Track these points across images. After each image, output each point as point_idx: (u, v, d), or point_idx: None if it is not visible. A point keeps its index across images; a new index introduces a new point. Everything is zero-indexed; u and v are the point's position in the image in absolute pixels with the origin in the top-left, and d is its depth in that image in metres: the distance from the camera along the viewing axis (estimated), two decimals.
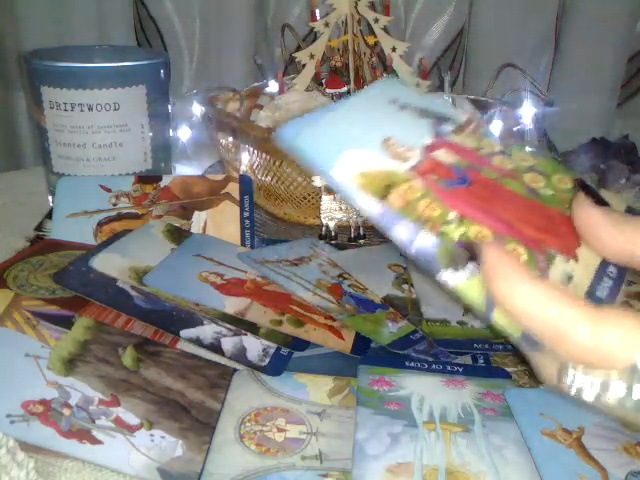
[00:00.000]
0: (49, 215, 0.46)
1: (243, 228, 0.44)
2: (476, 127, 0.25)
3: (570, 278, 0.20)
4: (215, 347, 0.33)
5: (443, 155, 0.23)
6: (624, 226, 0.20)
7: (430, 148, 0.23)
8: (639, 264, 0.20)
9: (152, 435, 0.27)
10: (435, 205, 0.21)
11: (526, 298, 0.18)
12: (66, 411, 0.28)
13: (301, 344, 0.34)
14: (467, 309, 0.24)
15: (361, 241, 0.46)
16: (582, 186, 0.22)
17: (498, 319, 0.19)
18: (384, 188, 0.21)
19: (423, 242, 0.20)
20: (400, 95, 0.25)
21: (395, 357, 0.34)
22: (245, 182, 0.46)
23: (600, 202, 0.21)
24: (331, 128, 0.23)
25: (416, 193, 0.21)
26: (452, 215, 0.21)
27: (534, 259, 0.20)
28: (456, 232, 0.20)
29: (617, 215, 0.21)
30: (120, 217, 0.43)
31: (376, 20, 0.50)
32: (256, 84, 0.59)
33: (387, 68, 0.52)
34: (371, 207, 0.21)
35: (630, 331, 0.17)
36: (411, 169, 0.22)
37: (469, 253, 0.20)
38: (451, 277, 0.20)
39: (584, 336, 0.17)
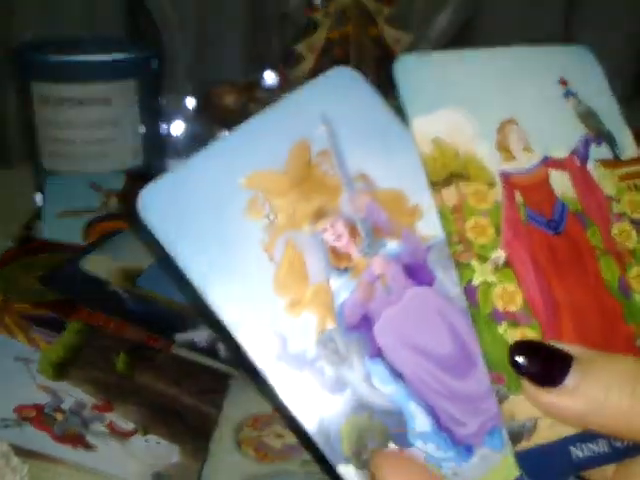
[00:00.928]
0: (38, 215, 0.45)
1: None
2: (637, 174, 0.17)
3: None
4: (211, 351, 0.33)
5: (559, 179, 0.17)
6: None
7: (552, 164, 0.17)
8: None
9: (147, 441, 0.27)
10: (488, 232, 0.16)
11: None
12: (59, 416, 0.27)
13: None
14: None
15: None
16: (519, 365, 0.15)
17: None
18: (449, 174, 0.16)
19: (332, 408, 0.14)
20: (580, 77, 0.18)
21: None
22: None
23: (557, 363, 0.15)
24: (445, 76, 0.17)
25: (481, 203, 0.16)
26: (497, 254, 0.16)
27: None
28: (482, 276, 0.15)
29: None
30: (111, 217, 0.43)
31: (379, 11, 0.49)
32: (253, 77, 0.58)
33: (390, 60, 0.51)
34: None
35: None
36: (502, 174, 0.16)
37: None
38: (349, 474, 0.14)
39: None
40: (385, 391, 0.15)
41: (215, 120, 0.48)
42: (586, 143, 0.18)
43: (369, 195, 0.16)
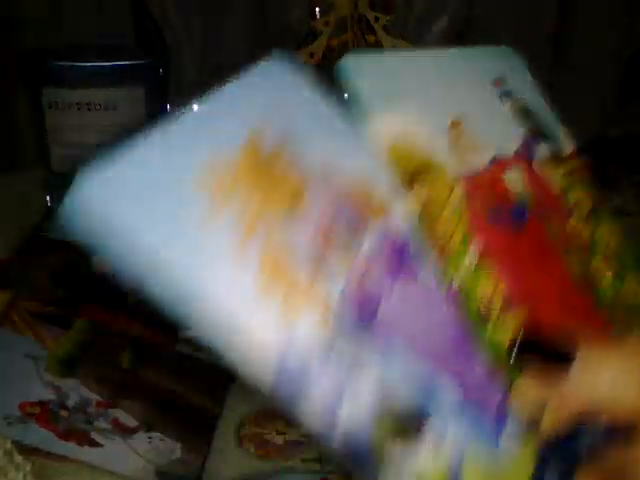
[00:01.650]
0: (48, 215, 0.45)
1: None
2: (580, 168, 0.18)
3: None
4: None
5: (514, 177, 0.17)
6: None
7: (503, 164, 0.17)
8: None
9: (150, 437, 0.27)
10: (460, 227, 0.16)
11: None
12: (64, 413, 0.28)
13: None
14: None
15: None
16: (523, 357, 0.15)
17: None
18: (414, 171, 0.16)
19: (355, 417, 0.12)
20: (512, 77, 0.18)
21: None
22: None
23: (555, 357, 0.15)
24: (395, 76, 0.17)
25: (446, 203, 0.16)
26: (471, 248, 0.16)
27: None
28: (462, 273, 0.15)
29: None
30: None
31: (376, 19, 0.50)
32: None
33: None
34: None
35: None
36: (460, 175, 0.16)
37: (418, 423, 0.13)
38: (402, 462, 0.12)
39: None
40: (407, 368, 0.14)
41: None
42: (528, 144, 0.18)
43: (336, 190, 0.15)
